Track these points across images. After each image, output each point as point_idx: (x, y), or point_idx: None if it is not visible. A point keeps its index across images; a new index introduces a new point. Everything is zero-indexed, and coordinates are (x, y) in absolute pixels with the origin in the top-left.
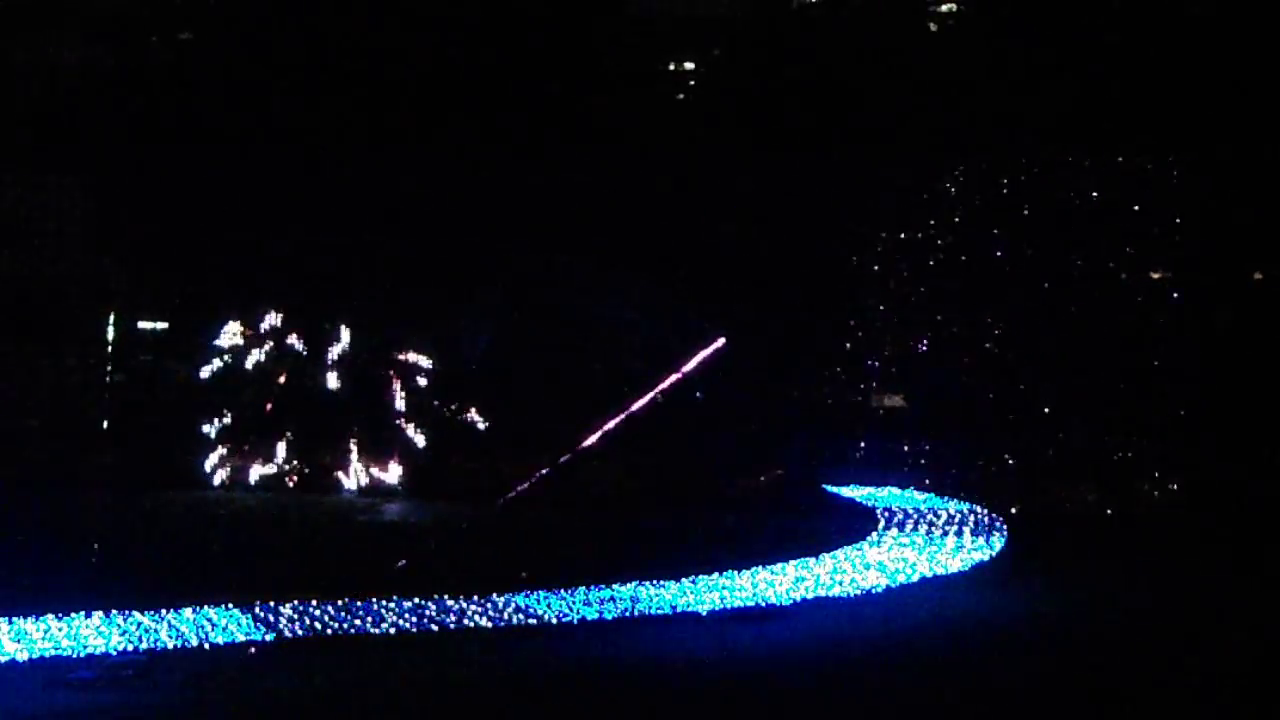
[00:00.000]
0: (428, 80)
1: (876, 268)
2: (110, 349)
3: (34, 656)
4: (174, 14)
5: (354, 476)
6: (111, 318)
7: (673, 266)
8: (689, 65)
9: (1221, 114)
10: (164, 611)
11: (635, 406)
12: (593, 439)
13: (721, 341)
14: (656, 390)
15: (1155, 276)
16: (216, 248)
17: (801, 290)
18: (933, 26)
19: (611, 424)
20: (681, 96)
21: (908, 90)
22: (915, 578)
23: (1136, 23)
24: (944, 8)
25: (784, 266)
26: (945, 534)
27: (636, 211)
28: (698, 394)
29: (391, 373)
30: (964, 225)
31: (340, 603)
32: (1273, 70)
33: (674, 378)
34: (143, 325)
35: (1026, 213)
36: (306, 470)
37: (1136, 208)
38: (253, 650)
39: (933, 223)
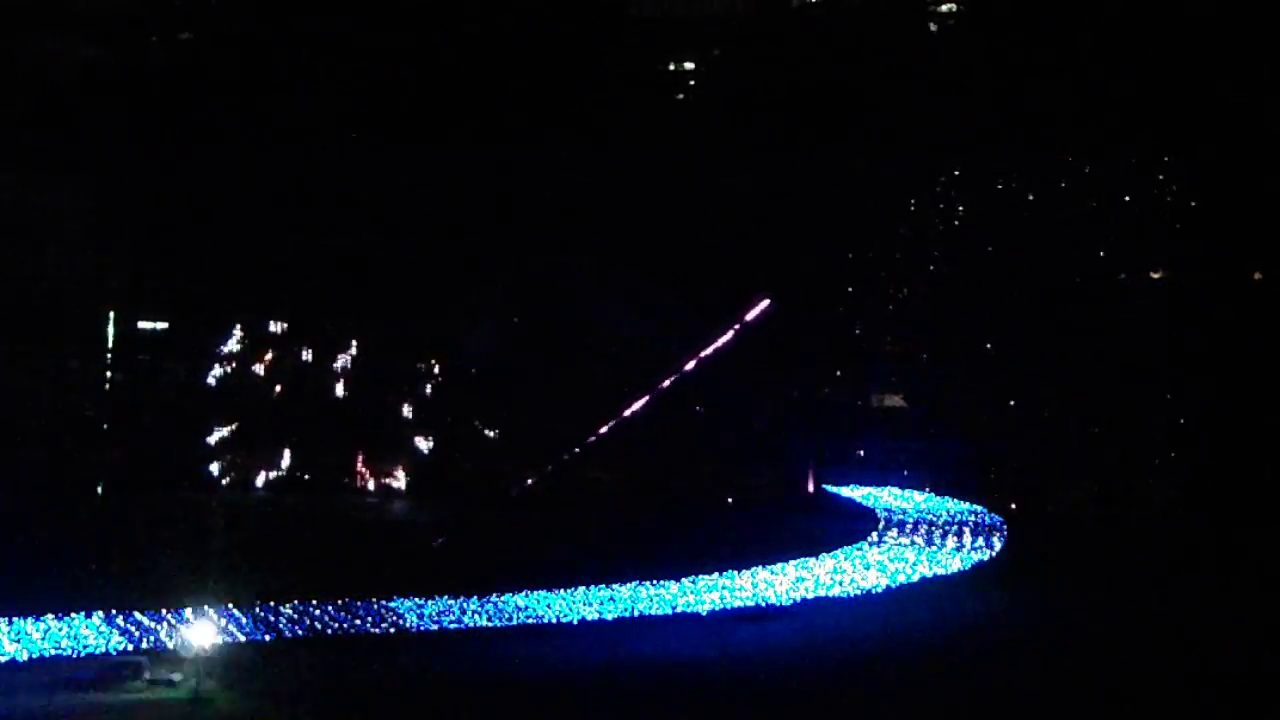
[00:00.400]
0: (429, 81)
1: (876, 268)
2: (110, 349)
3: (34, 656)
4: (174, 14)
5: (361, 479)
6: (111, 318)
7: (673, 266)
8: (689, 65)
9: (1221, 114)
10: (164, 611)
11: (684, 369)
12: (636, 406)
13: (767, 302)
14: (704, 352)
15: (1155, 276)
16: (216, 248)
17: (802, 290)
18: (933, 26)
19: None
20: (681, 96)
21: (908, 90)
22: (915, 578)
23: (1137, 22)
24: (944, 8)
25: (785, 266)
26: (945, 534)
27: (637, 212)
28: (697, 406)
29: (395, 375)
30: (964, 225)
31: (340, 603)
32: (1273, 70)
33: (723, 339)
34: (142, 325)
35: (1026, 213)
36: (312, 473)
37: (1137, 208)
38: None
39: (933, 222)
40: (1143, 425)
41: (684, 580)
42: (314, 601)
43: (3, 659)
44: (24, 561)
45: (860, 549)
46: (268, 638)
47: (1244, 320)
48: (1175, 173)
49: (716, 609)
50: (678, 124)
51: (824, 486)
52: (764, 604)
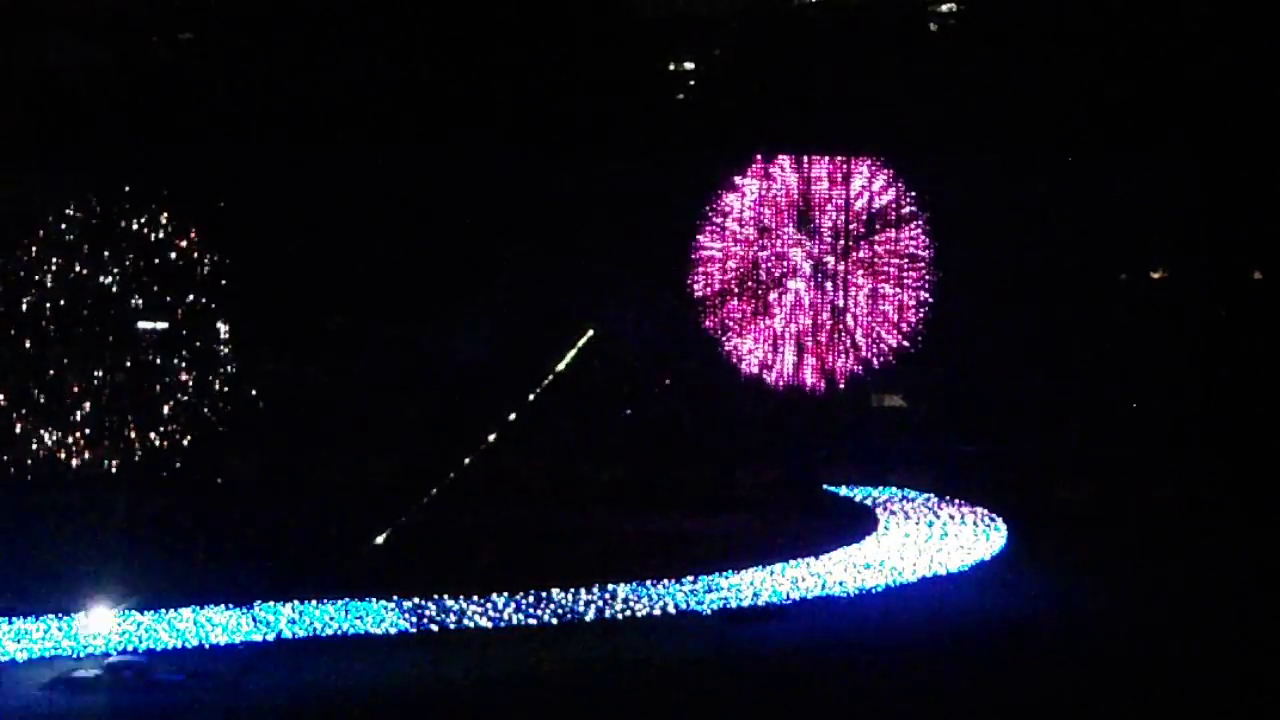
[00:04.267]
0: (429, 81)
1: (876, 267)
2: (110, 349)
3: (34, 656)
4: (174, 14)
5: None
6: (111, 318)
7: (673, 267)
8: (689, 65)
9: (1222, 114)
10: (164, 611)
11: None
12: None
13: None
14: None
15: (1155, 276)
16: (217, 247)
17: (802, 290)
18: (933, 27)
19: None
20: (681, 96)
21: (907, 90)
22: (915, 578)
23: (1137, 22)
24: (944, 7)
25: (783, 266)
26: (945, 533)
27: (635, 212)
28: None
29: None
30: (963, 224)
31: (340, 602)
32: (1273, 70)
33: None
34: (143, 325)
35: (1026, 212)
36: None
37: (1137, 208)
38: None
39: (932, 222)
40: (1143, 425)
41: (684, 580)
42: (313, 601)
43: (3, 659)
44: (24, 561)
45: (860, 549)
46: (268, 638)
47: (1244, 320)
48: (1176, 173)
49: (716, 609)
50: (678, 124)
51: (824, 486)
52: (764, 604)
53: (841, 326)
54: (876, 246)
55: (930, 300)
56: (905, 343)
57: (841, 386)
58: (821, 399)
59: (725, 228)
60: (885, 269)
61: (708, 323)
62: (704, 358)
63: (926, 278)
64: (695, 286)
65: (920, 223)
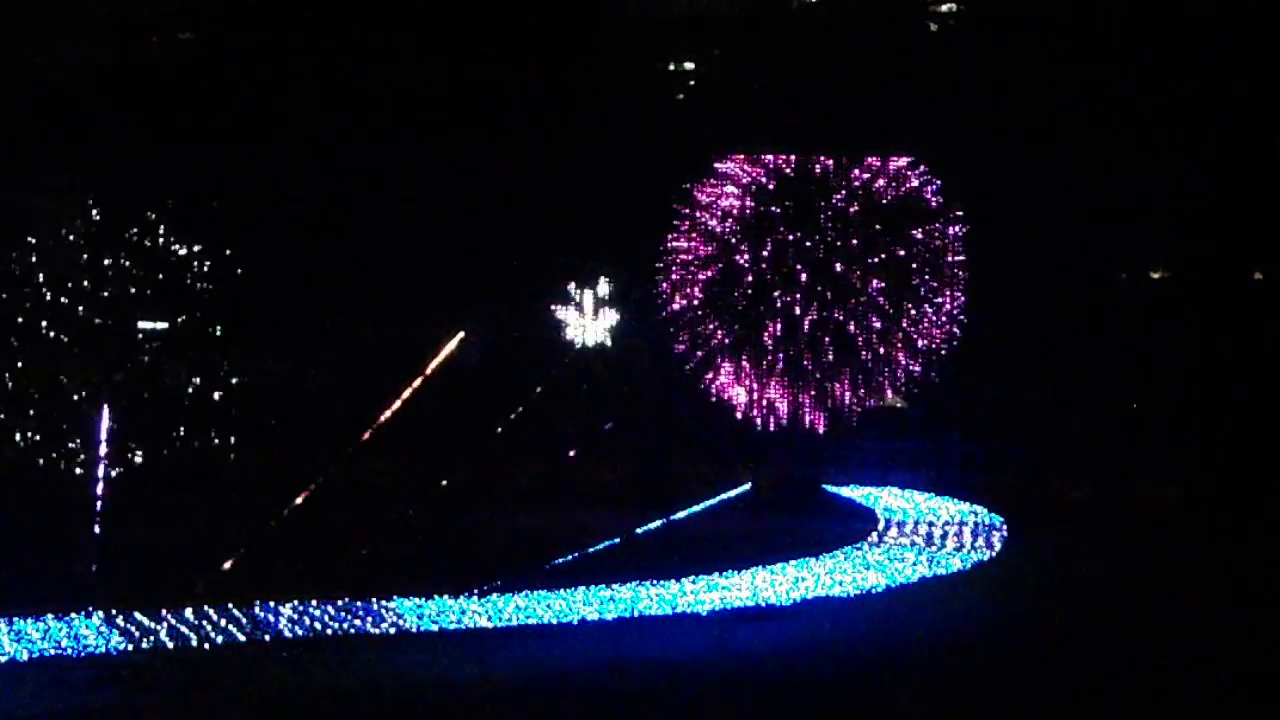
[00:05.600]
0: (428, 82)
1: (875, 266)
2: (111, 349)
3: (34, 656)
4: (174, 13)
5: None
6: (112, 318)
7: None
8: (689, 65)
9: (1222, 113)
10: (164, 611)
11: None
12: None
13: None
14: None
15: (1155, 276)
16: (217, 247)
17: (801, 290)
18: (933, 26)
19: None
20: (681, 96)
21: (906, 90)
22: (915, 578)
23: (1138, 21)
24: (944, 7)
25: (782, 267)
26: (945, 534)
27: (634, 212)
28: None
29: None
30: (962, 224)
31: (340, 603)
32: (1273, 70)
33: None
34: (143, 325)
35: (1025, 211)
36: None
37: (1137, 207)
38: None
39: (930, 222)
40: (1142, 425)
41: (684, 580)
42: (314, 601)
43: (3, 659)
44: (23, 561)
45: (860, 549)
46: (267, 637)
47: (1244, 320)
48: (1176, 172)
49: (716, 609)
50: (678, 124)
51: (824, 486)
52: (764, 604)
53: (854, 363)
54: (895, 248)
55: (963, 318)
56: (931, 369)
57: (854, 422)
58: (822, 437)
59: (699, 224)
60: (906, 276)
61: (679, 347)
62: (675, 399)
63: (960, 291)
64: (666, 302)
65: (952, 218)
